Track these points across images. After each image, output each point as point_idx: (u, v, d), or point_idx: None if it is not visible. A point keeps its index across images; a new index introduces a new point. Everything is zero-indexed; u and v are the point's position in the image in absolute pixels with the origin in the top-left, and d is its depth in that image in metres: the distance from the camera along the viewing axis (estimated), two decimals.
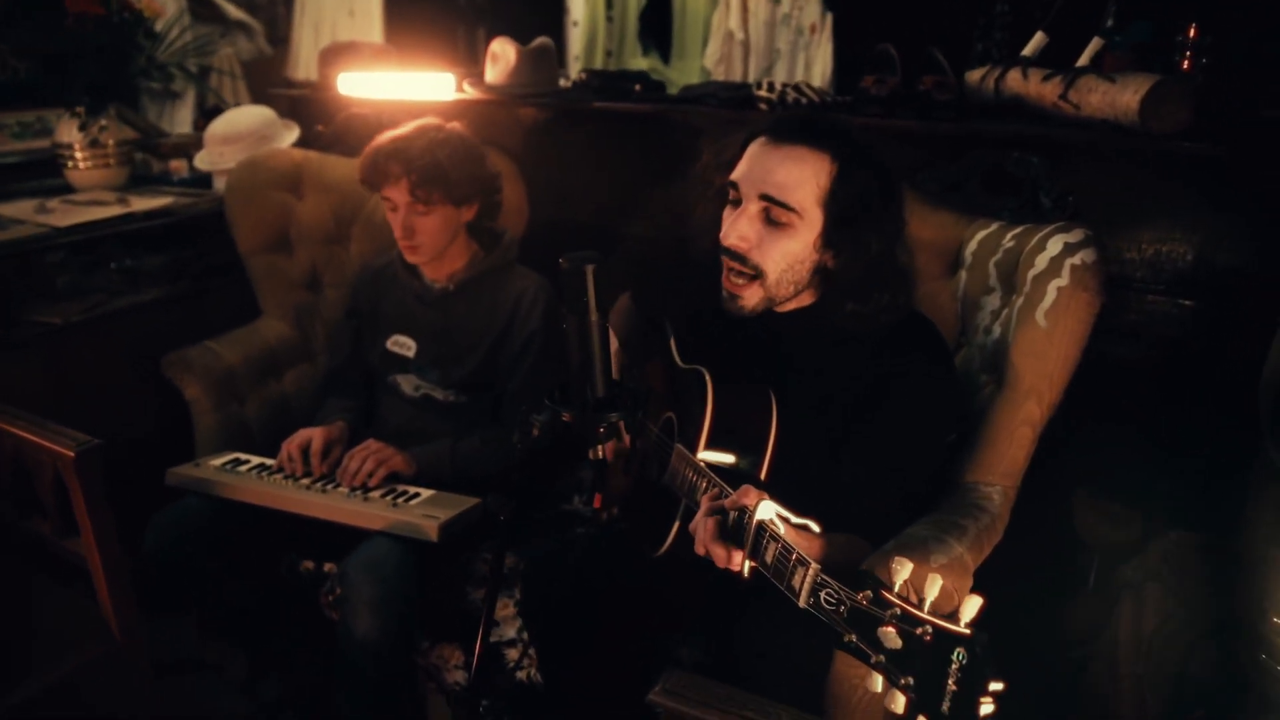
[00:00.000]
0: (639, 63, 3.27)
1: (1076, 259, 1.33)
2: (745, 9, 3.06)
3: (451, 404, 1.92)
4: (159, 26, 2.53)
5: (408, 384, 1.95)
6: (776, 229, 1.27)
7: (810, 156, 1.25)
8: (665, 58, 3.25)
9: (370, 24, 4.00)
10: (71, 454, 1.47)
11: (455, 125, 1.85)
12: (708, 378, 1.37)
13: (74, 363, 2.07)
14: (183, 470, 1.80)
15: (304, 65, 4.27)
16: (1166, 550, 1.51)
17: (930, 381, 1.30)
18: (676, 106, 1.97)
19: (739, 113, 1.89)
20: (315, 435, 1.80)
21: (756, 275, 1.29)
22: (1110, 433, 1.65)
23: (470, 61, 3.84)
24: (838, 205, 1.25)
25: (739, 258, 1.29)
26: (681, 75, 3.24)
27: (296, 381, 2.17)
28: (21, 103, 3.07)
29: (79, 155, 2.44)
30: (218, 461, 1.83)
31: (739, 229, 1.28)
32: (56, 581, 1.77)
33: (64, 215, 2.17)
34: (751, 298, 1.32)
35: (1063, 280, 1.32)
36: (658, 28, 3.22)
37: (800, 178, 1.24)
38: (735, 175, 1.30)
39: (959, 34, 2.75)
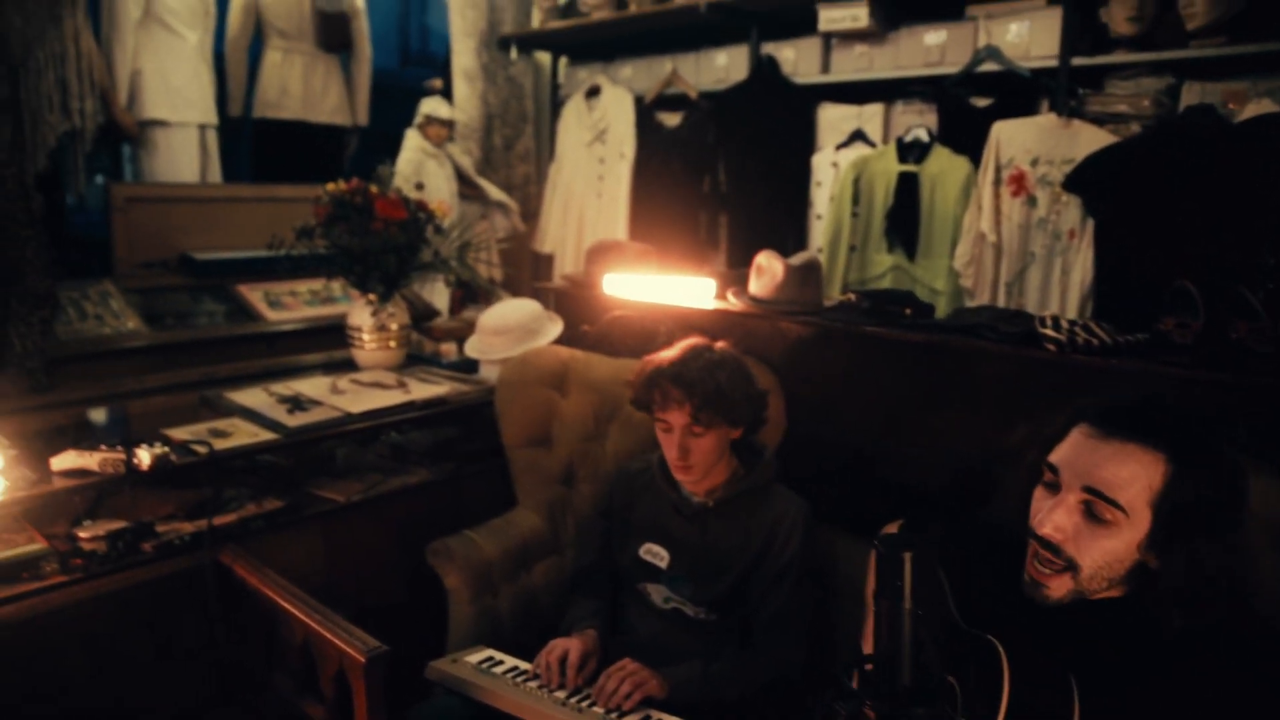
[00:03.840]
0: (883, 259, 3.28)
1: None
2: (998, 211, 3.03)
3: (701, 621, 1.90)
4: (446, 223, 2.78)
5: (658, 594, 1.94)
6: (1097, 525, 1.18)
7: (1143, 454, 1.16)
8: (911, 255, 3.24)
9: (616, 207, 4.26)
10: (362, 659, 1.55)
11: (723, 345, 1.90)
12: (1002, 653, 1.28)
13: (348, 540, 2.21)
14: (442, 665, 1.84)
15: (551, 240, 4.60)
16: None
17: (1265, 703, 1.16)
18: (950, 337, 1.93)
19: (1020, 349, 1.82)
20: (572, 648, 1.81)
21: (1068, 568, 1.21)
22: None
23: (710, 246, 4.00)
24: (1170, 509, 1.14)
25: (1052, 548, 1.21)
26: (927, 273, 3.22)
27: (545, 574, 2.21)
28: (309, 273, 3.44)
29: (366, 338, 2.68)
30: (474, 659, 1.87)
31: (1055, 519, 1.20)
32: None
33: (355, 399, 2.37)
34: (1059, 589, 1.23)
35: None
36: (904, 225, 3.22)
37: (1130, 476, 1.16)
38: (1056, 459, 1.23)
39: (1238, 246, 2.60)
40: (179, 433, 2.15)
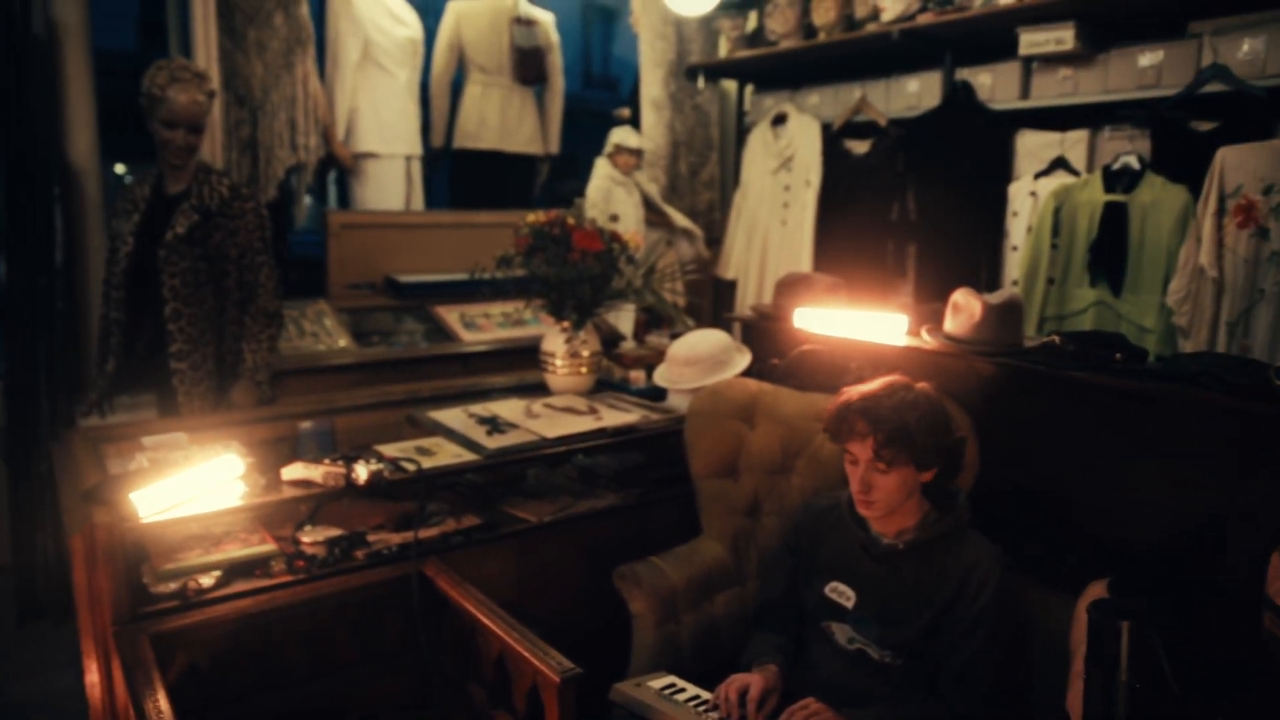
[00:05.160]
0: (1085, 294, 3.11)
1: None
2: (1220, 243, 2.81)
3: (886, 665, 1.86)
4: (639, 255, 2.85)
5: (842, 634, 1.91)
6: None
7: None
8: (1116, 290, 3.05)
9: (801, 234, 4.24)
10: (556, 679, 1.61)
11: (924, 386, 1.85)
12: None
13: (538, 559, 2.30)
14: (626, 688, 1.89)
15: (734, 267, 4.63)
16: None
17: None
18: (1168, 386, 1.80)
19: (1251, 402, 1.68)
20: (754, 682, 1.82)
21: None
22: None
23: (897, 275, 3.91)
24: None
25: None
26: (1134, 310, 3.02)
27: (726, 605, 2.22)
28: (503, 296, 3.58)
29: (559, 364, 2.79)
30: (657, 684, 1.90)
31: None
32: None
33: (549, 423, 2.47)
34: None
35: None
36: (1110, 258, 3.04)
37: None
38: None
39: None
40: (389, 449, 2.31)
